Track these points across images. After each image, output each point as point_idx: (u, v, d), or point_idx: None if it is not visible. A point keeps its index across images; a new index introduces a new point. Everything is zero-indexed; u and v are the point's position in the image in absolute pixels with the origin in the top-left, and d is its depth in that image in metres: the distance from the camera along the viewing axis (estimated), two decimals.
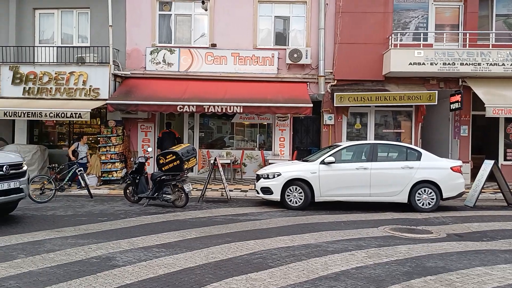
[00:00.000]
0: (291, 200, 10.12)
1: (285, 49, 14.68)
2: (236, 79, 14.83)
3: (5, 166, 8.06)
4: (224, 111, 13.51)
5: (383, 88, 14.48)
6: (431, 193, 10.04)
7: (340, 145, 10.71)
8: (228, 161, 14.22)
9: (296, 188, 10.10)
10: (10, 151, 11.98)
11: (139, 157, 10.98)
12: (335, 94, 14.06)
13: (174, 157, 9.98)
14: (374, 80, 14.65)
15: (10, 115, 12.86)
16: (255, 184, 10.95)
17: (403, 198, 10.10)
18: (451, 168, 10.19)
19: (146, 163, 10.96)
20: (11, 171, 8.21)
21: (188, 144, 11.20)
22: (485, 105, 13.12)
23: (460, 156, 14.48)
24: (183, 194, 10.11)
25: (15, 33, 15.01)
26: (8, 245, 6.65)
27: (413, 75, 14.30)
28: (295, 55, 14.45)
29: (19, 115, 12.83)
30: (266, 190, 10.32)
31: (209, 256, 6.20)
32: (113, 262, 5.86)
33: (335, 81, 14.74)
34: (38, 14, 15.30)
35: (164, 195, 10.14)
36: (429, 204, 10.05)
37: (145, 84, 14.57)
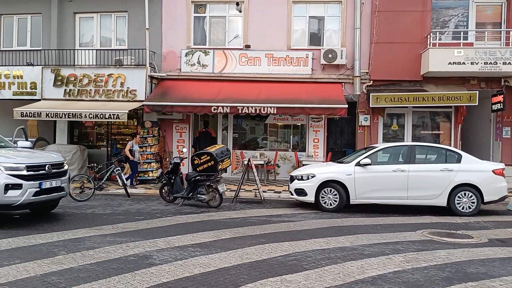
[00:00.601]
0: (326, 202, 10.01)
1: (320, 49, 14.55)
2: (270, 80, 14.82)
3: (47, 166, 8.33)
4: (258, 112, 13.52)
5: (421, 88, 14.11)
6: (471, 196, 9.71)
7: (376, 147, 10.51)
8: (262, 162, 14.22)
9: (330, 190, 9.98)
10: (52, 151, 12.46)
11: (174, 157, 11.15)
12: (371, 94, 13.82)
13: (208, 157, 10.07)
14: (412, 80, 14.30)
15: (52, 116, 13.33)
16: (288, 185, 10.90)
17: (442, 201, 9.81)
18: (492, 171, 9.82)
19: (181, 163, 11.11)
20: (53, 170, 8.48)
21: (222, 145, 11.28)
22: None
23: (502, 159, 13.92)
24: (217, 195, 10.19)
25: (57, 37, 15.55)
26: (50, 242, 6.88)
27: (452, 75, 13.87)
28: (330, 55, 14.29)
29: (60, 116, 13.28)
30: (300, 192, 10.25)
31: (244, 256, 6.21)
32: (150, 260, 5.95)
33: (371, 81, 14.48)
34: (78, 18, 15.80)
35: (198, 195, 10.24)
36: (469, 208, 9.71)
37: (180, 85, 14.78)
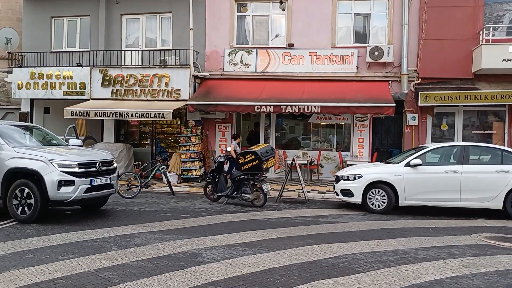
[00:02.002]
0: (373, 203, 9.73)
1: (365, 47, 14.21)
2: (314, 79, 14.62)
3: (98, 163, 8.54)
4: (301, 111, 13.37)
5: (472, 86, 13.51)
6: None
7: (427, 147, 10.12)
8: (305, 162, 14.05)
9: (378, 191, 9.70)
10: (100, 149, 12.82)
11: (219, 156, 11.18)
12: (419, 93, 13.36)
13: (253, 157, 10.02)
14: (463, 78, 13.70)
15: (100, 115, 13.70)
16: (334, 185, 10.68)
17: (497, 204, 9.32)
18: None
19: (225, 162, 11.13)
20: (103, 168, 8.68)
21: (267, 144, 11.21)
22: None
23: None
24: (261, 194, 10.12)
25: (105, 38, 15.99)
26: (101, 237, 7.03)
27: (506, 72, 13.17)
28: (376, 53, 13.93)
29: (108, 115, 13.63)
30: (346, 192, 10.02)
31: (292, 257, 6.10)
32: (199, 258, 5.95)
33: (419, 79, 13.99)
34: (125, 20, 16.18)
35: (242, 194, 10.21)
36: None
37: (223, 85, 14.84)
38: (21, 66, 16.12)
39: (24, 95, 15.79)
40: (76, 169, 8.17)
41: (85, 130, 16.39)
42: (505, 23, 13.78)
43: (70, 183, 8.05)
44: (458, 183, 9.36)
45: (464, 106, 13.86)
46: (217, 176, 10.71)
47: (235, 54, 15.12)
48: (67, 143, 9.92)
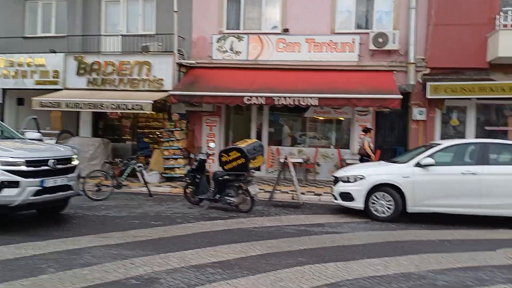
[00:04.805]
0: (377, 209, 8.35)
1: (368, 33, 12.79)
2: (311, 68, 13.22)
3: (52, 161, 7.15)
4: (297, 103, 12.00)
5: (487, 77, 12.12)
6: None
7: (439, 144, 8.74)
8: (300, 160, 12.69)
9: (383, 195, 8.32)
10: (74, 144, 11.45)
11: (200, 153, 9.78)
12: (428, 84, 11.97)
13: (238, 154, 8.62)
14: (476, 68, 12.29)
15: (72, 106, 12.32)
16: (331, 188, 9.32)
17: None
18: None
19: (208, 160, 9.75)
20: (59, 166, 7.29)
21: (255, 140, 9.85)
22: None
23: None
24: (248, 197, 8.74)
25: (82, 23, 14.54)
26: (42, 253, 5.65)
27: None
28: (380, 40, 12.52)
29: (81, 106, 12.25)
30: (346, 196, 8.64)
31: (277, 284, 4.74)
32: (156, 286, 4.59)
33: (428, 69, 12.59)
34: (104, 3, 14.72)
35: (226, 198, 8.84)
36: None
37: (211, 74, 13.45)
38: None
39: None
40: (23, 168, 6.79)
41: (60, 123, 14.96)
42: None
43: (14, 184, 6.67)
44: (478, 187, 7.97)
45: (477, 99, 12.48)
46: (198, 177, 9.33)
47: (225, 41, 13.71)
48: (23, 137, 8.53)
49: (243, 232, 7.17)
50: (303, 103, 11.98)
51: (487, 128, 12.78)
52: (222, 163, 8.85)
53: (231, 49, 13.67)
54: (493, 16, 12.03)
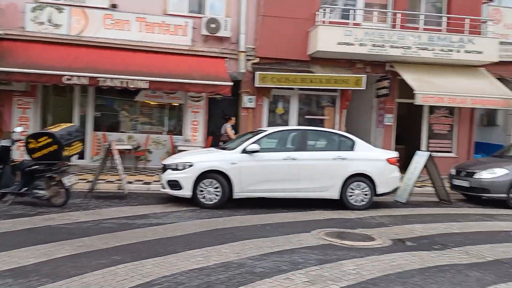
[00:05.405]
0: (205, 196, 8.22)
1: (201, 17, 12.59)
2: (142, 49, 12.46)
3: None
4: (125, 86, 11.15)
5: (307, 69, 13.05)
6: (364, 188, 8.76)
7: (265, 131, 9.02)
8: (129, 147, 11.92)
9: (211, 182, 8.21)
10: None
11: (2, 139, 8.27)
12: (256, 73, 12.34)
13: (50, 140, 7.48)
14: (299, 60, 13.15)
15: None
16: (160, 176, 8.88)
17: (334, 194, 8.70)
18: (387, 160, 9.00)
19: (14, 148, 8.33)
20: None
21: (72, 124, 8.79)
22: (415, 92, 12.27)
23: (383, 147, 13.55)
24: (62, 189, 7.72)
25: None
26: None
27: (340, 57, 13.05)
28: (213, 26, 12.44)
29: None
30: (174, 185, 8.29)
31: None
32: None
33: (257, 58, 12.99)
34: None
35: (35, 191, 7.66)
36: (362, 201, 8.77)
37: (23, 48, 11.60)
38: None
39: None
40: None
41: None
42: (340, 6, 13.67)
43: None
44: (297, 172, 8.46)
45: (299, 89, 13.39)
46: (1, 167, 7.89)
47: (42, 11, 11.97)
48: None
49: (51, 230, 6.25)
50: (132, 86, 11.20)
51: (307, 117, 13.84)
52: (29, 151, 7.61)
53: (50, 21, 12.01)
54: (314, 12, 12.96)
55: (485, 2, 14.02)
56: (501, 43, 13.45)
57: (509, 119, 14.98)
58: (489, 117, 16.20)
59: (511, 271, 5.30)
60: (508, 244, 6.62)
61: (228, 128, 11.68)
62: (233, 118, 12.25)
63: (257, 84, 12.42)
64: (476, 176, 9.91)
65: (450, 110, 14.18)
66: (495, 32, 13.57)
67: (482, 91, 12.77)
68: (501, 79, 13.82)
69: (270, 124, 13.34)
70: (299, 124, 13.30)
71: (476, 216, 8.68)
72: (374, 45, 12.42)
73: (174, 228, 6.64)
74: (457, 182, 10.40)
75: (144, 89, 11.71)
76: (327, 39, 12.30)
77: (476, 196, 10.13)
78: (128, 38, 12.38)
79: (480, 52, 12.84)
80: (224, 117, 12.08)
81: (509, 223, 8.22)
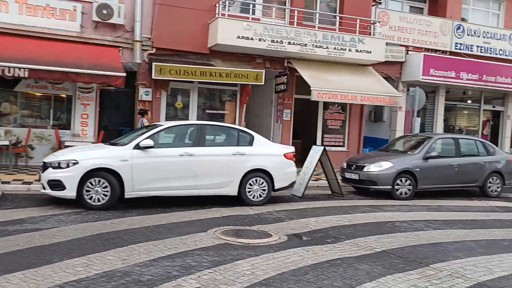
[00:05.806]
0: (92, 197, 7.52)
1: (92, 2, 11.60)
2: (23, 34, 11.14)
3: None
4: (0, 74, 9.88)
5: (207, 62, 12.76)
6: (262, 183, 8.74)
7: (161, 125, 8.55)
8: (6, 143, 10.62)
9: (99, 181, 7.55)
10: None
11: None
12: (154, 64, 11.73)
13: None
14: (199, 52, 12.79)
15: None
16: (40, 175, 7.97)
17: (232, 190, 8.55)
18: (284, 155, 9.07)
19: None
20: None
21: None
22: (311, 88, 12.61)
23: (282, 141, 13.82)
24: None
25: None
26: None
27: (240, 51, 12.94)
28: (105, 12, 11.54)
29: None
30: (56, 184, 7.48)
31: None
32: None
33: (154, 49, 12.36)
34: None
35: None
36: (260, 196, 8.74)
37: None
38: None
39: None
40: None
41: None
42: None
43: None
44: (194, 168, 8.15)
45: (199, 83, 13.05)
46: None
47: None
48: None
49: None
50: (9, 74, 9.97)
51: (207, 111, 13.57)
52: None
53: None
54: (214, 4, 12.66)
55: (374, 5, 14.88)
56: (387, 44, 14.42)
57: (394, 115, 16.15)
58: (376, 113, 17.32)
59: (397, 262, 5.55)
60: (393, 234, 7.00)
61: (146, 123, 11.09)
62: (149, 112, 11.81)
63: (154, 76, 11.81)
64: (365, 169, 10.44)
65: (342, 107, 14.88)
66: (382, 33, 14.50)
67: (371, 89, 13.57)
68: (387, 78, 14.82)
69: (169, 118, 12.83)
70: (199, 119, 12.97)
71: (365, 208, 9.12)
72: (272, 41, 12.49)
73: (53, 234, 5.94)
74: (348, 175, 10.88)
75: (24, 78, 10.48)
76: (227, 32, 12.08)
77: (365, 188, 10.69)
78: (5, 20, 11.02)
79: (369, 52, 13.57)
80: (140, 111, 11.73)
81: (393, 213, 8.76)
